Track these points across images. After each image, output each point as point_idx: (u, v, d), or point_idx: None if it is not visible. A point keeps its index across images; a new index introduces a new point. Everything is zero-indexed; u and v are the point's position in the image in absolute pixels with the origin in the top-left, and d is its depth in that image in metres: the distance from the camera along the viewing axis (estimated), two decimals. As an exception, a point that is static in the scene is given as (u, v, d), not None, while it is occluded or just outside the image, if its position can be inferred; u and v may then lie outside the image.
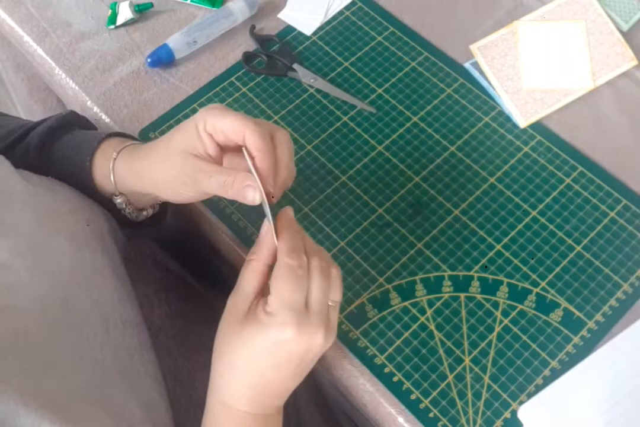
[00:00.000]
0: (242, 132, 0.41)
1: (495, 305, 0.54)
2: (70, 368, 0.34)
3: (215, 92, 0.65)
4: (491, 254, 0.56)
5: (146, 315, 0.46)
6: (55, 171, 0.48)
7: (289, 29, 0.69)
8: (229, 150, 0.44)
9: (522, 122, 0.62)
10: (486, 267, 0.56)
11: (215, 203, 0.58)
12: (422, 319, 0.53)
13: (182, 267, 0.65)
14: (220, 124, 0.41)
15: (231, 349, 0.41)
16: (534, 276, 0.55)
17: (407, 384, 0.51)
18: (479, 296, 0.54)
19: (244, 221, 0.57)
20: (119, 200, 0.48)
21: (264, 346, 0.40)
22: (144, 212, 0.52)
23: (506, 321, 0.53)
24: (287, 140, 0.44)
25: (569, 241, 0.57)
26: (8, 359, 0.31)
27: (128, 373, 0.38)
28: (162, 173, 0.43)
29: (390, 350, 0.52)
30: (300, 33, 0.68)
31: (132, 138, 0.53)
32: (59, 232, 0.40)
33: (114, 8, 0.68)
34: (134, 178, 0.46)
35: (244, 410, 0.42)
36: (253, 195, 0.40)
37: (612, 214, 0.58)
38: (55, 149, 0.49)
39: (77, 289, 0.39)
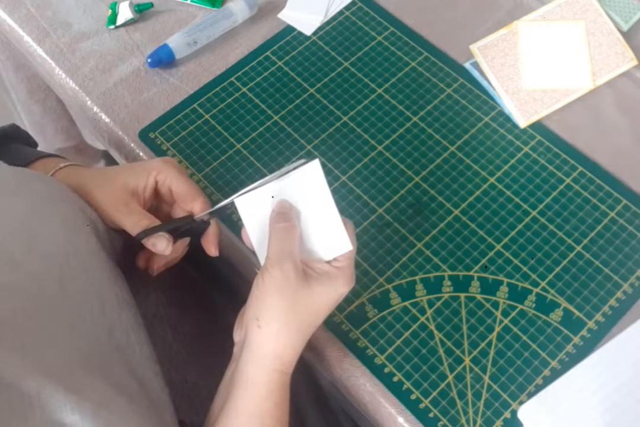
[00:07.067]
0: (190, 200, 0.48)
1: (495, 305, 0.54)
2: (69, 345, 0.35)
3: (215, 92, 0.65)
4: (491, 254, 0.56)
5: (141, 302, 0.46)
6: None
7: (289, 29, 0.69)
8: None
9: (522, 122, 0.62)
10: (486, 267, 0.56)
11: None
12: (422, 319, 0.53)
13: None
14: (176, 185, 0.47)
15: (298, 308, 0.43)
16: (534, 276, 0.55)
17: (407, 384, 0.51)
18: (479, 296, 0.54)
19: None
20: None
21: (334, 299, 0.45)
22: None
23: (506, 321, 0.53)
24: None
25: (569, 241, 0.57)
26: (8, 336, 0.32)
27: (124, 351, 0.39)
28: (101, 194, 0.47)
29: (390, 350, 0.52)
30: (300, 33, 0.68)
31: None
32: (52, 217, 0.41)
33: (114, 8, 0.68)
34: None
35: (289, 372, 0.44)
36: (163, 247, 0.45)
37: (612, 214, 0.58)
38: None
39: (73, 270, 0.39)
